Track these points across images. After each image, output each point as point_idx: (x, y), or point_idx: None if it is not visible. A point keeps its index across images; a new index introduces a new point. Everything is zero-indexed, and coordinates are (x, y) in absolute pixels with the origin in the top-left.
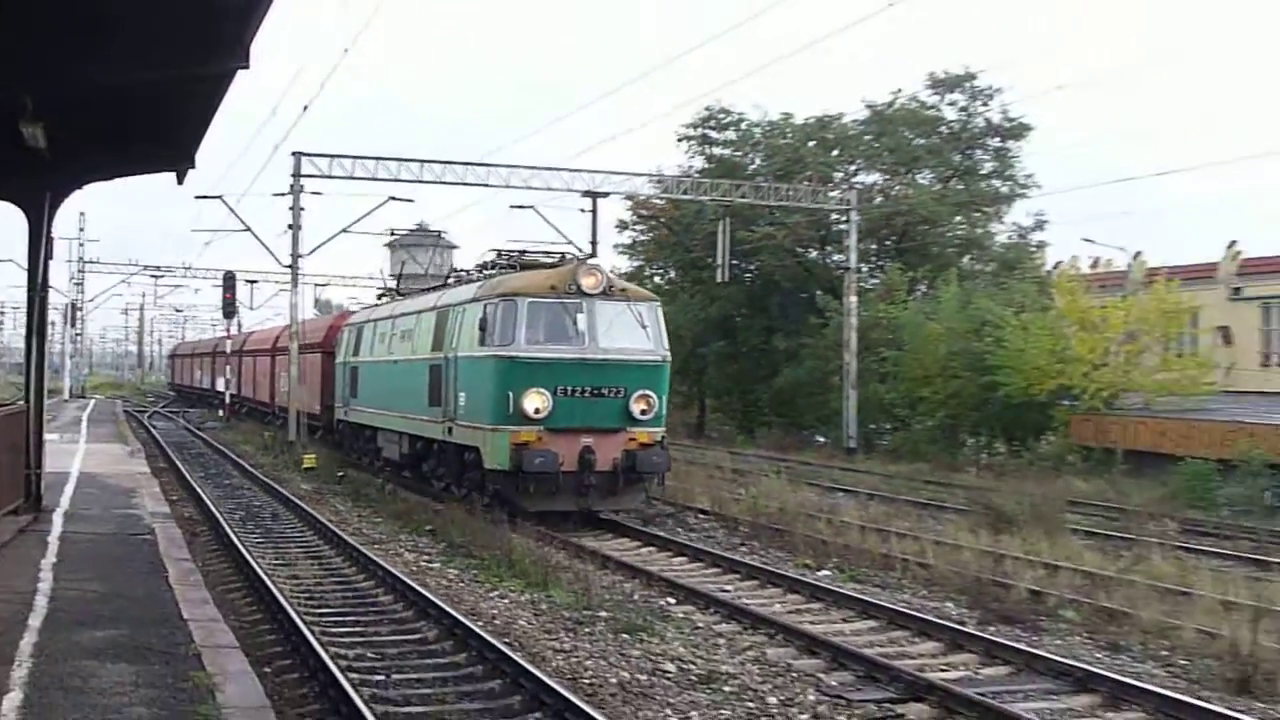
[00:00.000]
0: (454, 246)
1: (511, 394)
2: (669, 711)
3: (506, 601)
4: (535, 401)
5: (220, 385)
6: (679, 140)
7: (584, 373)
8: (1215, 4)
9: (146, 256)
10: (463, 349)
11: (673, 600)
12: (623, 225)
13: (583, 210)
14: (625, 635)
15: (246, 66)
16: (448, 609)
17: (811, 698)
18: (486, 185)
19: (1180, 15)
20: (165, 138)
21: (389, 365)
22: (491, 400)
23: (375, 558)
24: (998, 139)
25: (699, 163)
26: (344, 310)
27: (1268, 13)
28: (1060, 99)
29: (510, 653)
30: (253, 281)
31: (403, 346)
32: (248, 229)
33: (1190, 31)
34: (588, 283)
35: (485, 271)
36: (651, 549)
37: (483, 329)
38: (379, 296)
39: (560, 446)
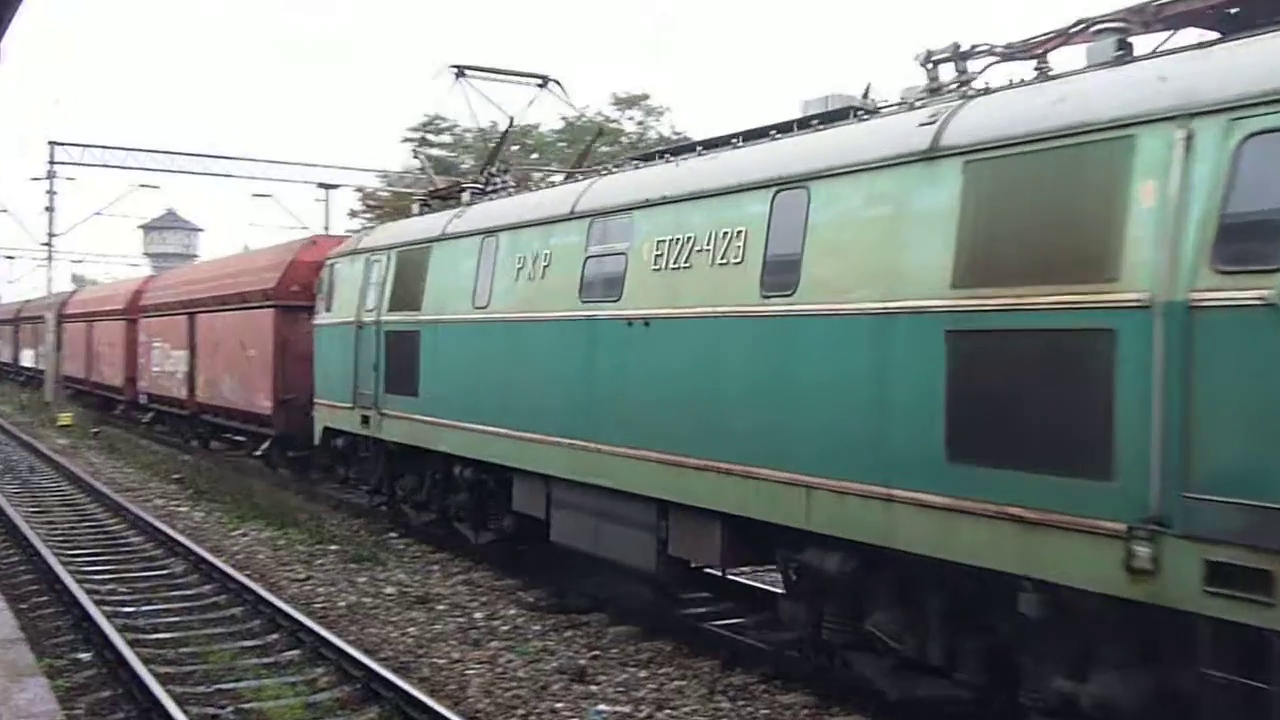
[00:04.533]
0: (199, 229)
1: None
2: (390, 628)
3: (248, 539)
4: None
5: (30, 360)
6: (402, 141)
7: None
8: None
9: None
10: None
11: (394, 535)
12: (353, 214)
13: (317, 200)
14: (353, 565)
15: None
16: (193, 546)
17: (512, 611)
18: (230, 176)
19: None
20: None
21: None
22: None
23: (126, 503)
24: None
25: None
26: (325, 236)
27: None
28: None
29: (250, 583)
30: (10, 257)
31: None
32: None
33: None
34: None
35: None
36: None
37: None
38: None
39: None
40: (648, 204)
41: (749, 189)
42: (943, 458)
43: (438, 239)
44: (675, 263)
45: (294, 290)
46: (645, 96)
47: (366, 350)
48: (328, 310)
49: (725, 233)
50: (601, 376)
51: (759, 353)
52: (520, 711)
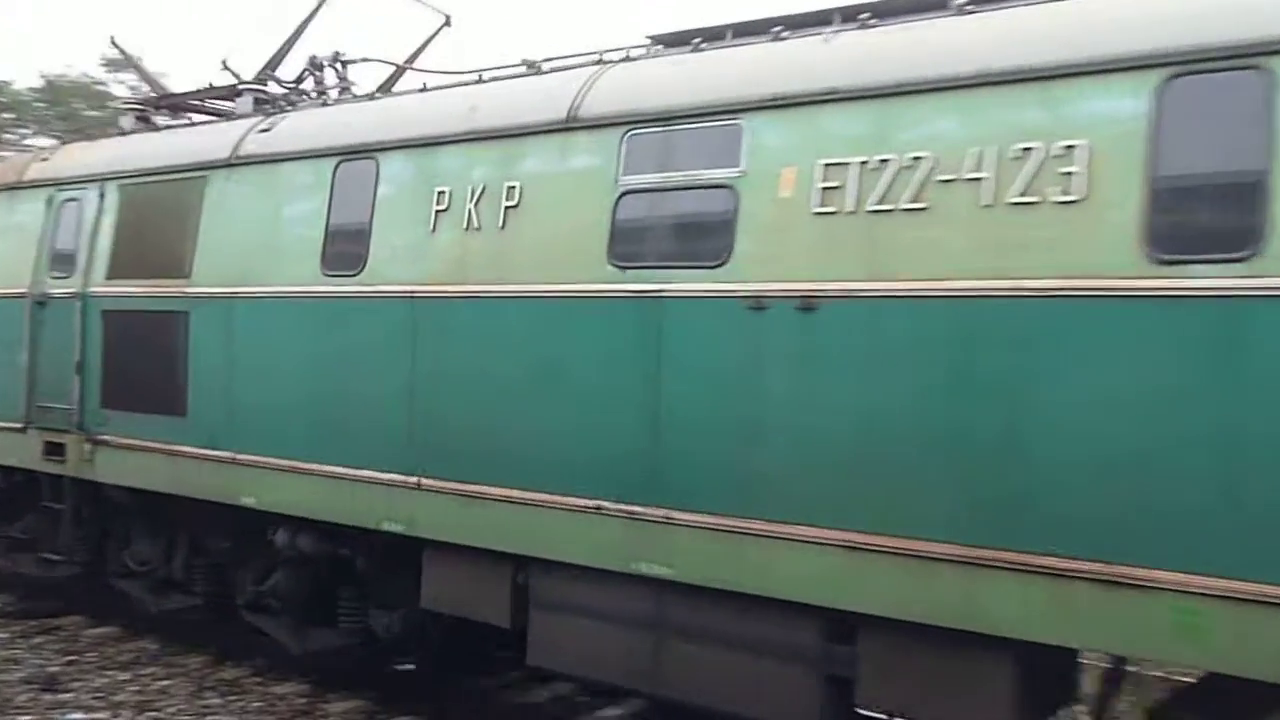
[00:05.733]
0: None
1: None
2: None
3: None
4: None
5: None
6: None
7: None
8: None
9: None
10: None
11: None
12: None
13: None
14: None
15: None
16: None
17: None
18: None
19: None
20: None
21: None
22: None
23: None
24: None
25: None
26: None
27: None
28: None
29: None
30: None
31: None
32: None
33: None
34: None
35: None
36: None
37: None
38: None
39: None
40: (792, 100)
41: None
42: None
43: (225, 164)
44: (880, 200)
45: None
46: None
47: (56, 339)
48: None
49: (1032, 149)
50: (689, 400)
51: None
52: None
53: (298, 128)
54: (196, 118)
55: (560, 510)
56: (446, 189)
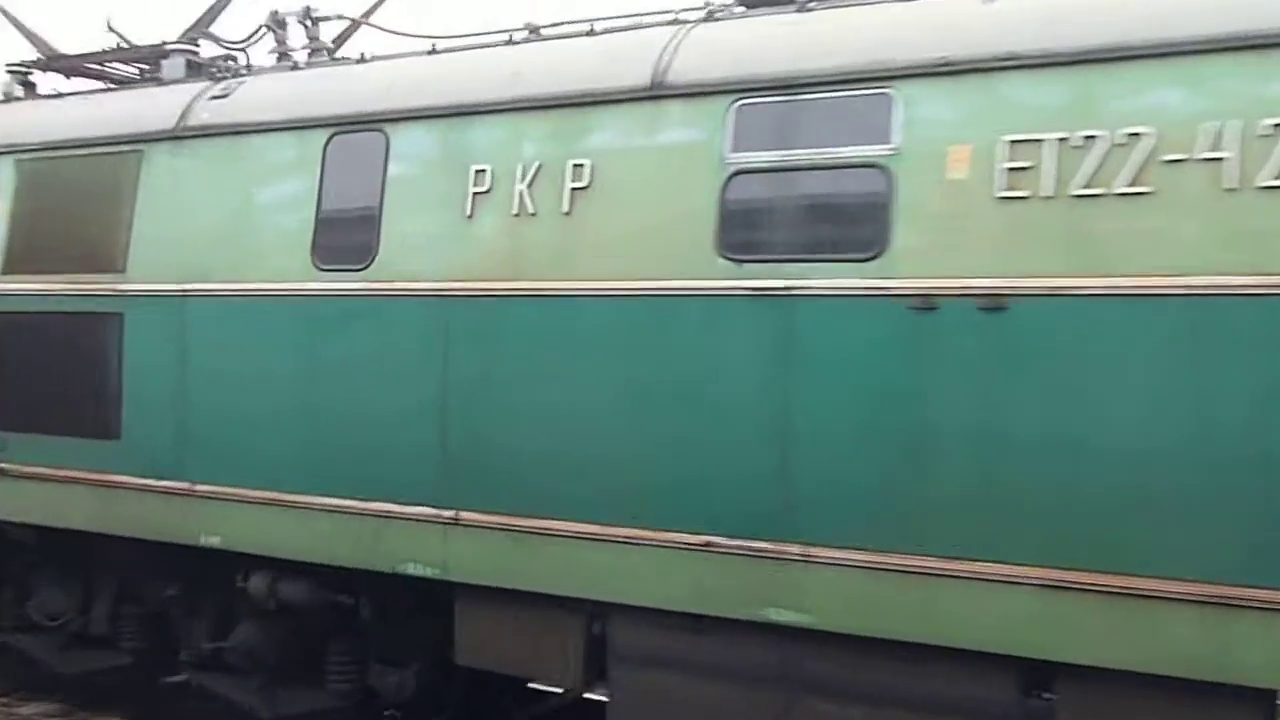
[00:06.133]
0: None
1: None
2: None
3: None
4: None
5: None
6: None
7: None
8: None
9: None
10: None
11: None
12: None
13: None
14: None
15: None
16: None
17: None
18: None
19: None
20: None
21: None
22: None
23: None
24: None
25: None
26: None
27: None
28: None
29: None
30: None
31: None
32: None
33: None
34: None
35: None
36: None
37: None
38: None
39: None
40: (959, 67)
41: None
42: None
43: (168, 137)
44: (1084, 184)
45: None
46: None
47: None
48: None
49: None
50: (831, 416)
51: None
52: None
53: (267, 94)
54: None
55: (651, 547)
56: (486, 167)
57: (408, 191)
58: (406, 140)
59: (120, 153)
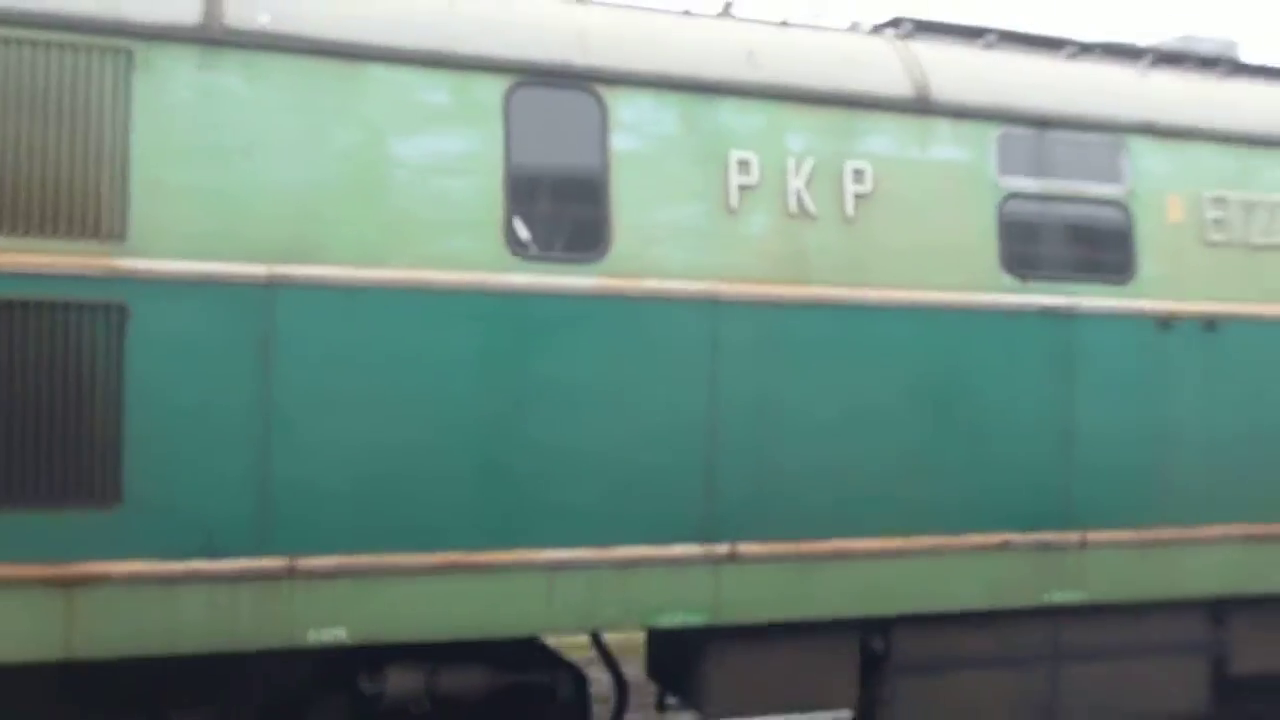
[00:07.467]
0: None
1: None
2: None
3: None
4: None
5: None
6: None
7: None
8: None
9: None
10: None
11: None
12: None
13: None
14: None
15: None
16: None
17: None
18: None
19: None
20: None
21: None
22: None
23: None
24: None
25: None
26: None
27: None
28: None
29: None
30: None
31: None
32: None
33: None
34: None
35: None
36: None
37: None
38: None
39: None
40: (1168, 131)
41: None
42: None
43: (192, 38)
44: (1263, 234)
45: None
46: None
47: None
48: None
49: None
50: (1103, 420)
51: None
52: None
53: (389, 5)
54: None
55: (952, 553)
56: (751, 157)
57: (647, 172)
58: (633, 109)
59: (88, 48)
